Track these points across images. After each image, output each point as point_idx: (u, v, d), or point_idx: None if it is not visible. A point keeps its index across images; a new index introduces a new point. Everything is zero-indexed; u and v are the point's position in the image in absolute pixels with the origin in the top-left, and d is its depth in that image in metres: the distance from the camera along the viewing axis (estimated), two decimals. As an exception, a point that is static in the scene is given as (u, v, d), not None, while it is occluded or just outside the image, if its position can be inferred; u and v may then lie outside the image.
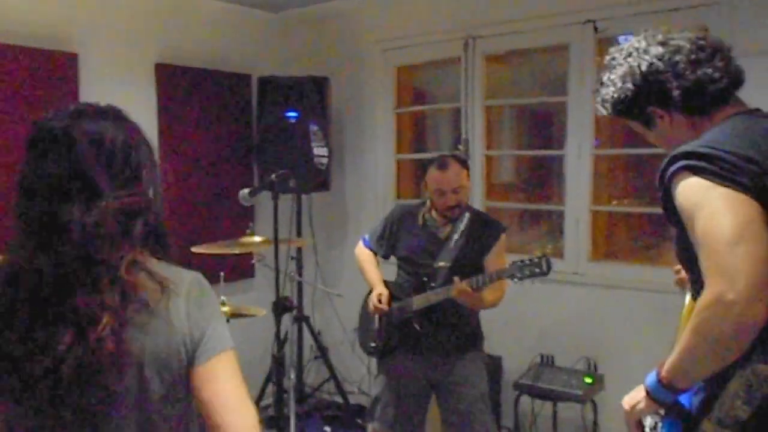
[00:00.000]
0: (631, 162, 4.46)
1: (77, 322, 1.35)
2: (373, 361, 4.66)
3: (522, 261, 3.28)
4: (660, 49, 1.81)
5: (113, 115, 1.55)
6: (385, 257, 3.84)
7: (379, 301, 3.58)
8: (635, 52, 1.85)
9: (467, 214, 3.58)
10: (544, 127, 4.96)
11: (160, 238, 1.53)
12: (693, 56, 1.77)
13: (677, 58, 1.78)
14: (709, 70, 1.76)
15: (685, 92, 1.78)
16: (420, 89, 5.53)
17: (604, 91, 1.93)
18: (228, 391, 1.48)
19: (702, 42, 1.80)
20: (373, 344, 3.73)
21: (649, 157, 4.23)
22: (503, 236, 3.60)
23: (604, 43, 4.13)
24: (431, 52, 5.00)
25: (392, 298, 3.62)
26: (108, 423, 1.41)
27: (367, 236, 3.86)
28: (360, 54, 5.34)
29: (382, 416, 3.70)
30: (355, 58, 5.37)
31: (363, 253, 3.83)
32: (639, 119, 1.91)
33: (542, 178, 4.95)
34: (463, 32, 4.69)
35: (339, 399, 5.16)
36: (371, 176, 5.34)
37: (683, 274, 1.97)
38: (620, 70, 1.86)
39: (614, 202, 4.43)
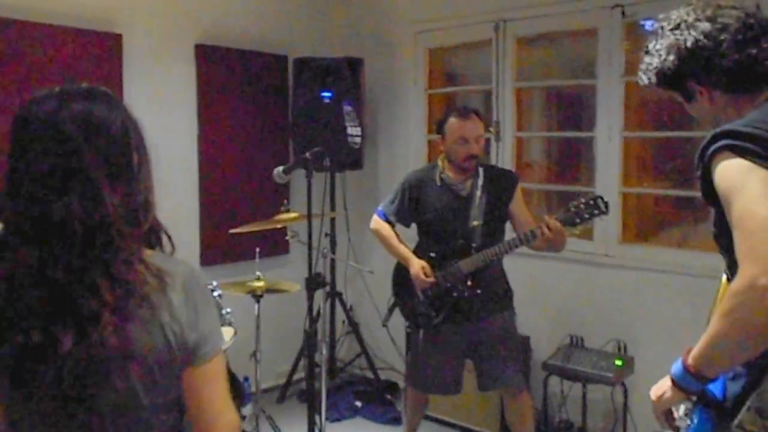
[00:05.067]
0: (661, 145, 4.46)
1: (78, 322, 1.30)
2: (401, 336, 4.71)
3: (576, 205, 3.25)
4: (707, 26, 1.73)
5: (104, 97, 1.42)
6: (407, 225, 3.83)
7: (425, 275, 3.57)
8: (683, 24, 1.77)
9: (481, 169, 3.61)
10: (573, 109, 4.98)
11: (155, 231, 1.47)
12: (740, 36, 1.70)
13: (723, 36, 1.71)
14: (754, 51, 1.70)
15: (726, 72, 1.72)
16: (451, 71, 5.57)
17: (648, 60, 1.86)
18: (220, 392, 1.48)
19: (751, 21, 1.73)
20: (423, 317, 3.67)
21: (679, 140, 4.25)
22: (518, 182, 3.70)
23: (632, 27, 4.15)
24: (463, 34, 5.05)
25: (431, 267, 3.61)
26: (113, 425, 1.37)
27: (381, 208, 3.83)
28: (393, 36, 5.40)
29: (422, 381, 3.78)
30: (388, 40, 5.43)
31: (383, 227, 3.80)
32: (680, 92, 1.85)
33: (572, 160, 4.97)
34: (494, 15, 4.72)
35: (370, 374, 5.26)
36: (403, 155, 5.40)
37: None
38: (666, 42, 1.80)
39: (644, 185, 4.44)
